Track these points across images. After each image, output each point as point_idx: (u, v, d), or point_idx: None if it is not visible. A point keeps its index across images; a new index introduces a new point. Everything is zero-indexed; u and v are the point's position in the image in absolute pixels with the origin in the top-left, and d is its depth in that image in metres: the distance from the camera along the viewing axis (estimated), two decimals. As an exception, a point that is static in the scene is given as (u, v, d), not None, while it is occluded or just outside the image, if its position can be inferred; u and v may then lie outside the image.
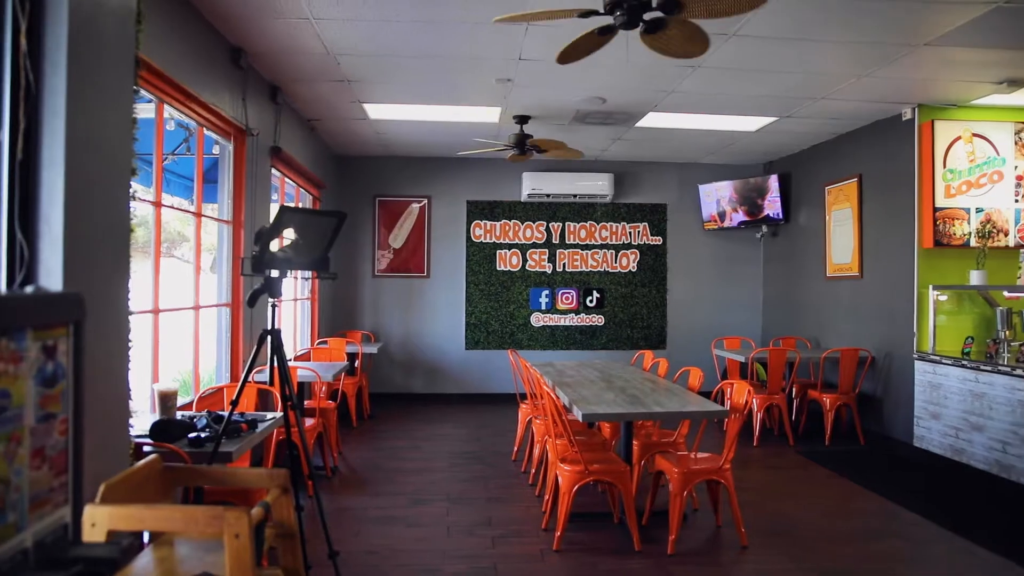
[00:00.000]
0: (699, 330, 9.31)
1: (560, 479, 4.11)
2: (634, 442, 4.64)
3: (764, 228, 9.25)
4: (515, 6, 4.13)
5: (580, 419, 3.90)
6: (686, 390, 4.63)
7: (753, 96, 6.21)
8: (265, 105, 5.88)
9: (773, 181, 8.77)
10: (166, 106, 4.18)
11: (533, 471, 5.41)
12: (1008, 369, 5.27)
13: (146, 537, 2.59)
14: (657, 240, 9.43)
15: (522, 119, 6.95)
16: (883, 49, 5.00)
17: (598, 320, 9.33)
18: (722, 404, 4.58)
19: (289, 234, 3.10)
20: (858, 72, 5.51)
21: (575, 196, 9.07)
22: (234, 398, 3.10)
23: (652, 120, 7.08)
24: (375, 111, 6.83)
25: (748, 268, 9.66)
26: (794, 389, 7.36)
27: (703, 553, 4.12)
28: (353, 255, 9.09)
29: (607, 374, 5.46)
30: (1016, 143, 6.30)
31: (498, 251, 9.22)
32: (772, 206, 8.81)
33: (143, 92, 3.74)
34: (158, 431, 3.06)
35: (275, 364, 3.23)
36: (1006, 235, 6.27)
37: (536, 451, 5.37)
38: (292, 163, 6.58)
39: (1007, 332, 5.68)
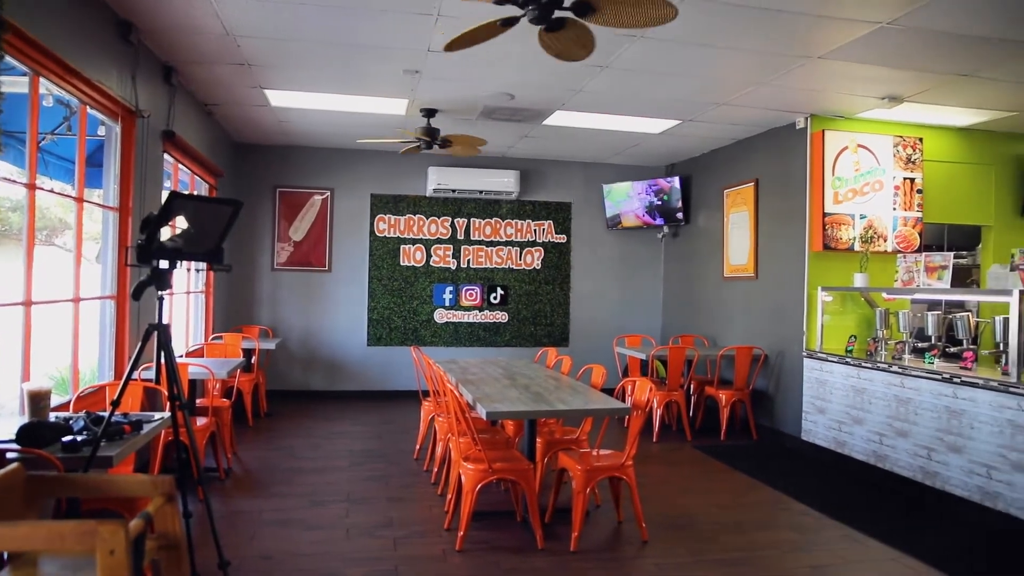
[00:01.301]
0: (602, 328, 9.45)
1: (463, 478, 4.05)
2: (538, 440, 4.64)
3: (665, 229, 9.49)
4: (424, -5, 4.04)
5: (484, 417, 3.86)
6: (589, 387, 4.67)
7: (658, 99, 6.33)
8: (158, 86, 5.54)
9: (675, 183, 9.00)
10: (42, 80, 3.86)
11: (436, 470, 5.33)
12: (885, 366, 5.58)
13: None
14: (562, 238, 9.52)
15: (429, 112, 6.85)
16: (781, 59, 5.19)
17: (502, 317, 9.33)
18: (624, 401, 4.64)
19: (180, 223, 2.91)
20: (757, 80, 5.70)
21: (481, 192, 9.04)
22: (115, 397, 2.88)
23: (559, 118, 7.12)
24: (277, 98, 6.57)
25: (649, 268, 9.89)
26: (692, 386, 7.58)
27: (605, 549, 4.16)
28: (251, 247, 8.74)
29: (511, 371, 5.44)
30: (895, 155, 6.69)
31: (402, 246, 9.07)
32: (673, 207, 9.04)
33: (13, 61, 3.43)
34: (25, 435, 2.78)
35: (163, 361, 3.03)
36: (885, 240, 6.66)
37: (439, 449, 5.30)
38: (187, 148, 6.24)
39: (885, 331, 6.02)
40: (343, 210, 8.97)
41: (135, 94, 4.96)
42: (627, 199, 9.29)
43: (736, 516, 4.77)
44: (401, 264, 9.07)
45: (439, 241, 9.17)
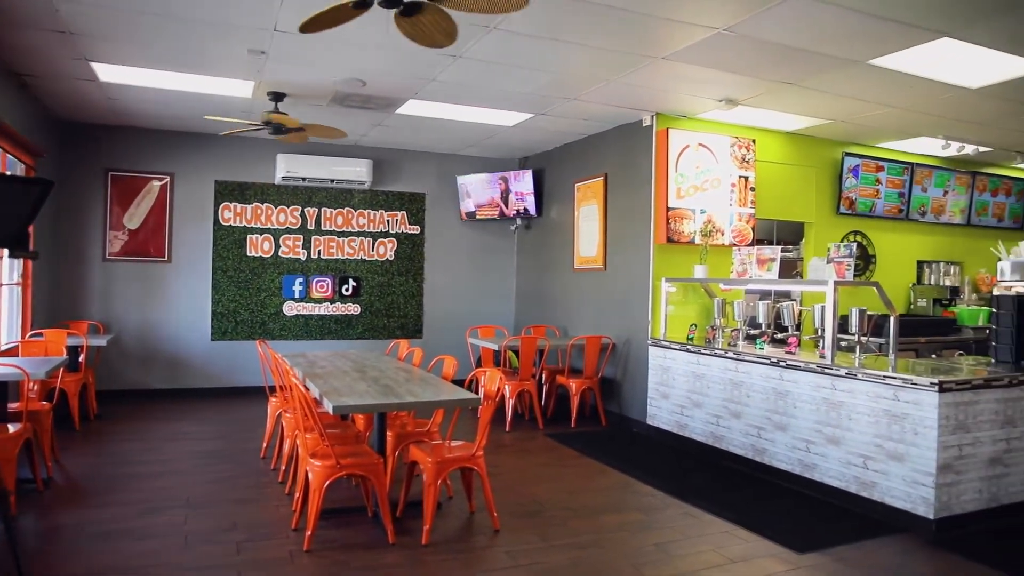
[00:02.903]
0: (456, 319, 9.46)
1: (310, 475, 3.91)
2: (388, 433, 4.57)
3: (518, 221, 9.63)
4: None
5: (331, 411, 3.74)
6: (440, 379, 4.64)
7: (511, 91, 6.39)
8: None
9: (528, 176, 9.14)
10: None
11: (284, 468, 5.13)
12: (722, 352, 5.95)
13: None
14: (415, 229, 9.43)
15: (277, 96, 6.55)
16: (628, 58, 5.37)
17: (354, 309, 9.13)
18: (476, 392, 4.65)
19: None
20: (605, 77, 5.88)
21: (332, 181, 8.78)
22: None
23: (412, 108, 7.03)
24: (107, 72, 6.03)
25: (503, 259, 10.00)
26: (544, 375, 7.74)
27: (457, 540, 4.16)
28: (79, 236, 8.02)
29: (361, 364, 5.32)
30: (731, 155, 7.12)
31: (249, 236, 8.66)
32: (526, 200, 9.19)
33: None
34: None
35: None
36: (723, 234, 7.08)
37: (287, 447, 5.10)
38: (-5, 125, 5.61)
39: (722, 320, 6.41)
40: (184, 197, 8.43)
41: (-70, 61, 4.40)
42: (481, 191, 9.33)
43: (585, 500, 4.91)
44: (248, 255, 8.65)
45: (288, 231, 8.82)
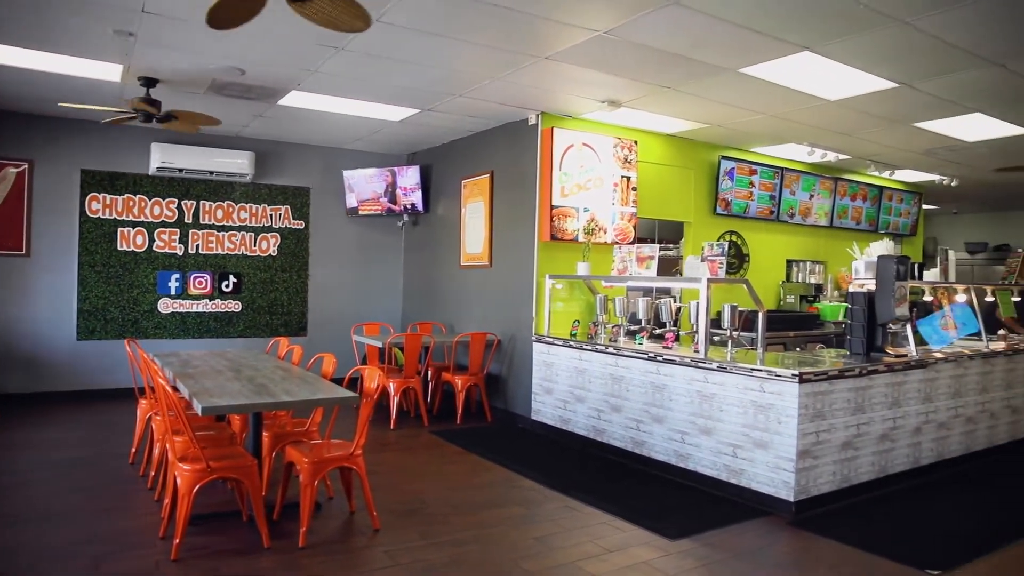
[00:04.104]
0: (341, 316, 9.28)
1: (179, 480, 3.74)
2: (264, 434, 4.43)
3: (405, 217, 9.55)
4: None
5: (200, 412, 3.59)
6: (319, 377, 4.54)
7: (397, 85, 6.31)
8: None
9: (415, 172, 9.08)
10: None
11: (153, 474, 4.88)
12: (603, 347, 6.11)
13: None
14: (299, 224, 9.18)
15: (149, 82, 6.21)
16: (512, 56, 5.41)
17: (235, 306, 8.79)
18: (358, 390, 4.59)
19: None
20: (491, 75, 5.90)
21: (212, 173, 8.42)
22: None
23: (295, 99, 6.83)
24: (-52, 49, 5.55)
25: (390, 255, 9.89)
26: (429, 372, 7.71)
27: (335, 541, 4.08)
28: (-82, 226, 7.35)
29: (237, 364, 5.13)
30: (614, 155, 7.32)
31: (120, 229, 8.17)
32: (413, 196, 9.12)
33: None
34: None
35: None
36: (605, 232, 7.27)
37: (156, 451, 4.85)
38: None
39: (604, 316, 6.58)
40: (45, 186, 7.85)
41: None
42: (368, 186, 9.19)
43: (468, 497, 4.93)
44: (119, 249, 8.17)
45: (164, 224, 8.39)
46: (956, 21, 4.44)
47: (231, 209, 8.76)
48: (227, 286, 8.74)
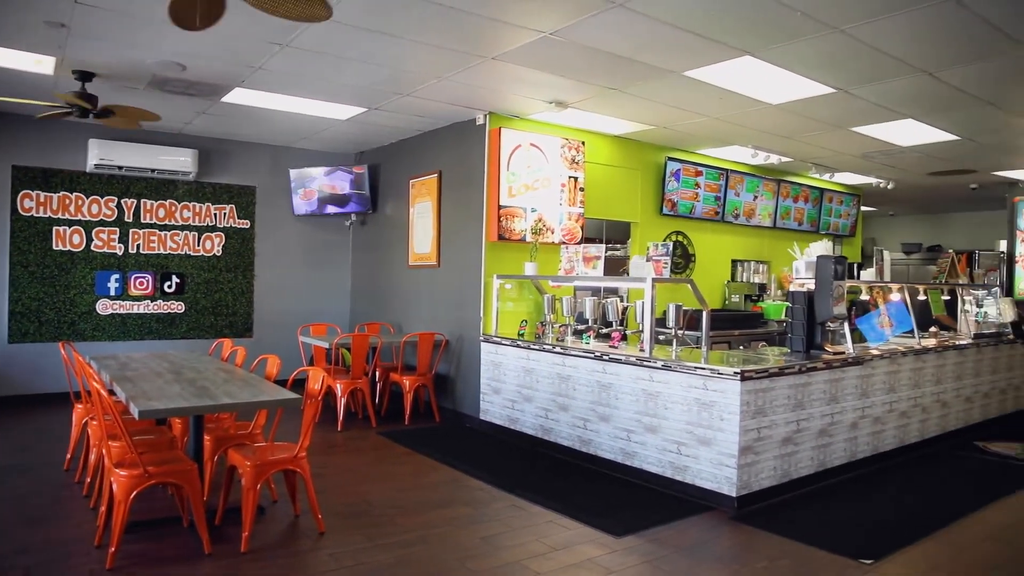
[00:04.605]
0: (288, 317, 9.13)
1: (115, 486, 3.64)
2: (206, 437, 4.34)
3: (353, 217, 9.46)
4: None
5: (137, 416, 3.50)
6: (262, 379, 4.47)
7: (343, 84, 6.25)
8: None
9: (363, 171, 9.00)
10: None
11: (89, 481, 4.74)
12: (550, 347, 6.14)
13: None
14: (245, 223, 9.01)
15: (84, 76, 6.02)
16: (459, 56, 5.40)
17: (178, 307, 8.59)
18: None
19: None
20: (438, 74, 5.89)
21: (153, 171, 8.21)
22: None
23: (240, 96, 6.70)
24: None
25: (337, 255, 9.79)
26: (377, 373, 7.65)
27: (279, 546, 4.02)
28: None
29: (178, 366, 5.02)
30: (562, 155, 7.37)
31: (55, 228, 7.91)
32: (361, 196, 9.04)
33: None
34: None
35: None
36: (553, 232, 7.31)
37: (92, 457, 4.71)
38: None
39: (552, 315, 6.61)
40: (-27, 183, 7.57)
41: None
42: (315, 185, 9.08)
43: (415, 497, 4.91)
44: (54, 248, 7.90)
45: (103, 223, 8.15)
46: (888, 30, 4.60)
47: (173, 208, 8.55)
48: (170, 286, 8.53)
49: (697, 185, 8.85)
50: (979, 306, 8.01)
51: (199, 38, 5.10)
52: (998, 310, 7.96)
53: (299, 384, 4.88)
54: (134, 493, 3.61)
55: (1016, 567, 3.96)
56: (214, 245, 8.80)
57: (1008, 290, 10.29)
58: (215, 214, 8.81)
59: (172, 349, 7.83)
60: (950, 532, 4.46)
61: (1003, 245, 11.05)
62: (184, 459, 3.89)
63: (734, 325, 8.06)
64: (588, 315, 6.31)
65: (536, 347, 6.30)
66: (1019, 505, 5.08)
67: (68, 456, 5.38)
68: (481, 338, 7.00)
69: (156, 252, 8.45)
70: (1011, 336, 7.86)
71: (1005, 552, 4.18)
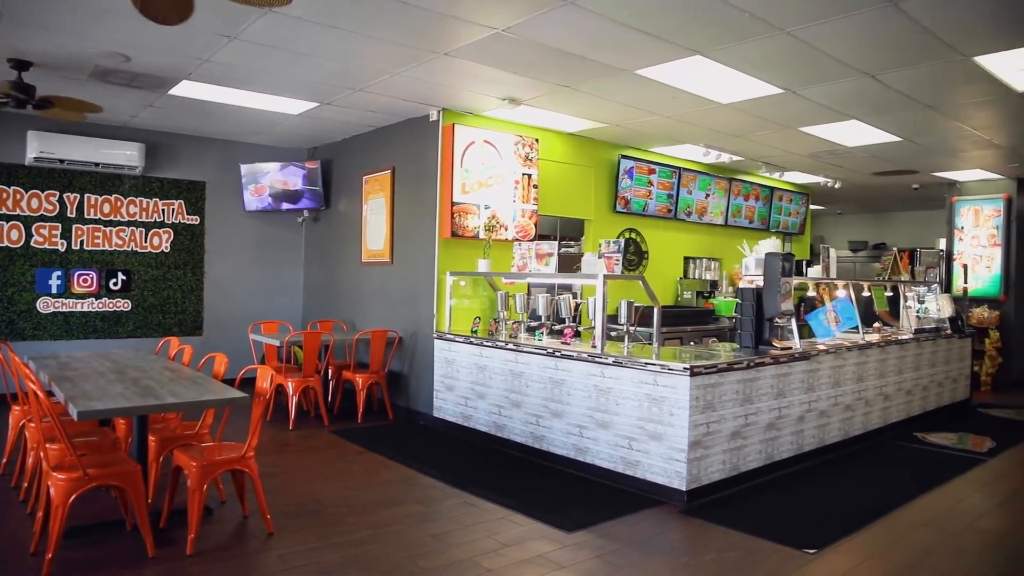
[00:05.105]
0: (239, 315, 8.98)
1: (52, 490, 3.53)
2: (151, 438, 4.25)
3: (306, 213, 9.34)
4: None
5: (75, 417, 3.40)
6: (209, 378, 4.38)
7: (294, 78, 6.16)
8: None
9: (316, 167, 8.89)
10: None
11: (26, 485, 4.59)
12: (503, 343, 6.15)
13: None
14: (194, 219, 8.82)
15: (20, 64, 5.82)
16: (412, 52, 5.37)
17: (124, 305, 8.37)
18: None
19: None
20: (391, 70, 5.84)
21: (98, 165, 7.98)
22: None
23: (188, 89, 6.56)
24: None
25: (290, 252, 9.66)
26: (330, 371, 7.57)
27: (227, 547, 3.95)
28: None
29: (122, 365, 4.89)
30: (515, 152, 7.37)
31: (-8, 223, 7.66)
32: (314, 191, 8.93)
33: None
34: None
35: None
36: (506, 229, 7.32)
37: (30, 461, 4.57)
38: None
39: (506, 312, 6.62)
40: (-96, 176, 7.27)
41: None
42: (267, 181, 8.93)
43: (366, 496, 4.87)
44: (-10, 244, 7.65)
45: (43, 219, 7.90)
46: (831, 34, 4.70)
47: (119, 203, 8.33)
48: (115, 284, 8.31)
49: (650, 183, 8.94)
50: (920, 302, 8.26)
51: (144, 28, 4.97)
52: (937, 306, 8.22)
53: (248, 382, 4.81)
54: (73, 497, 3.51)
55: (947, 552, 4.10)
56: (162, 241, 8.60)
57: (947, 287, 10.64)
58: (163, 210, 8.60)
59: (118, 348, 7.63)
60: (888, 520, 4.60)
61: (943, 243, 11.43)
62: (127, 461, 3.79)
63: (686, 321, 8.17)
64: (541, 312, 6.33)
65: (489, 344, 6.30)
66: (952, 492, 5.26)
67: (4, 460, 5.20)
68: (434, 335, 6.98)
69: (101, 248, 8.22)
70: (949, 331, 8.13)
71: (937, 538, 4.32)
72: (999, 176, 10.38)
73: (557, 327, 6.19)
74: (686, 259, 9.81)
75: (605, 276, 5.41)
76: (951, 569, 3.87)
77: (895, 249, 9.62)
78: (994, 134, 7.60)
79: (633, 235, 8.96)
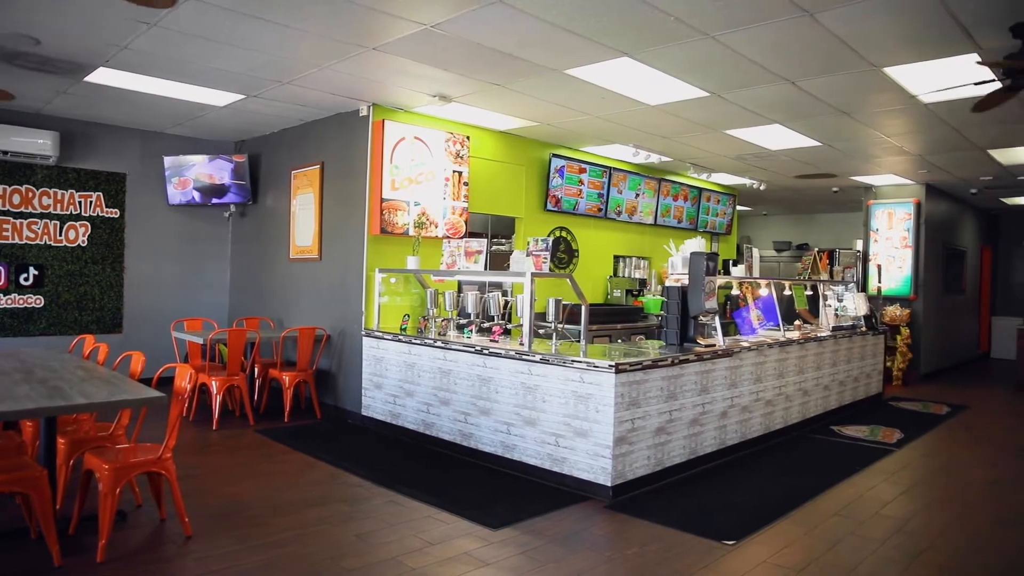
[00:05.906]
0: (162, 312, 8.69)
1: (-50, 496, 3.36)
2: (60, 440, 4.08)
3: (232, 208, 9.10)
4: None
5: (-25, 421, 3.24)
6: (124, 377, 4.22)
7: (218, 69, 5.99)
8: None
9: (243, 160, 8.67)
10: None
11: (-77, 490, 4.34)
12: (432, 341, 6.13)
13: None
14: (114, 212, 8.49)
15: (-81, 46, 5.50)
16: (339, 46, 5.28)
17: (36, 302, 8.00)
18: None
19: None
20: (318, 63, 5.74)
21: (6, 154, 7.60)
22: None
23: (104, 76, 6.30)
24: None
25: (215, 248, 9.39)
26: (256, 369, 7.41)
27: (141, 552, 3.82)
28: None
29: (30, 365, 4.67)
30: (446, 149, 7.35)
31: None
32: (241, 186, 8.71)
33: None
34: None
35: None
36: (436, 227, 7.28)
37: (-72, 464, 4.32)
38: None
39: (435, 310, 6.59)
40: None
41: None
42: (192, 174, 8.67)
43: (290, 496, 4.79)
44: None
45: (-54, 210, 7.49)
46: (753, 40, 4.84)
47: (31, 194, 7.95)
48: (26, 279, 7.93)
49: (581, 182, 9.04)
50: (839, 301, 8.60)
51: (54, 9, 4.75)
52: (854, 305, 8.56)
53: (168, 382, 4.66)
54: (-27, 503, 3.34)
55: (857, 539, 4.28)
56: (79, 235, 8.25)
57: (863, 286, 11.10)
58: (80, 202, 8.25)
59: (29, 347, 7.29)
60: (804, 510, 4.77)
61: (859, 244, 11.91)
62: (32, 465, 3.63)
63: (615, 319, 8.29)
64: (471, 310, 6.33)
65: (418, 341, 6.27)
66: (863, 482, 5.50)
67: (-98, 464, 4.92)
68: (363, 333, 6.90)
69: (10, 242, 7.83)
70: (864, 328, 8.48)
71: (848, 525, 4.51)
72: (910, 181, 10.88)
73: (486, 325, 6.20)
74: (616, 257, 9.95)
75: (533, 274, 5.45)
76: (860, 554, 4.04)
77: (815, 249, 9.98)
78: (904, 141, 7.96)
79: (564, 233, 9.04)
